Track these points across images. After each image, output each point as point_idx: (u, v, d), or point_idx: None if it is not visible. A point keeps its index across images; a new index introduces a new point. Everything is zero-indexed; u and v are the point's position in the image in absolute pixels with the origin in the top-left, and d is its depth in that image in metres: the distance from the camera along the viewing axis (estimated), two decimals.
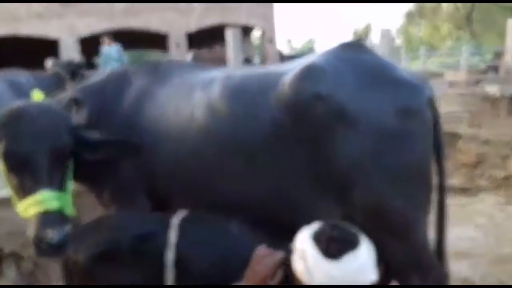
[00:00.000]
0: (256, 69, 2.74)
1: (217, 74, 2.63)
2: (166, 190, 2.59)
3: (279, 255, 2.09)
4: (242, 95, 2.41)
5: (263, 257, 2.09)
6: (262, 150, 2.31)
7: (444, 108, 11.07)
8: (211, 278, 2.15)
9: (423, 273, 2.40)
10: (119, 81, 2.77)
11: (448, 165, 6.62)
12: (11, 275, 3.68)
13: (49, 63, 7.20)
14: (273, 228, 2.38)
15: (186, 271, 2.15)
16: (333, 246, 1.72)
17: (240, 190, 2.40)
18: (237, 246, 2.21)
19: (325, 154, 2.20)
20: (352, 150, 2.17)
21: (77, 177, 2.81)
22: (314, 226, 1.83)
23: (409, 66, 19.73)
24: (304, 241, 1.78)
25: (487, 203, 5.54)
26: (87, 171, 2.66)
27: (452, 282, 3.79)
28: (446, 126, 8.48)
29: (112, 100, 2.70)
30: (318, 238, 1.75)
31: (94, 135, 2.46)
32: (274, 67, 2.67)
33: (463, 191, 5.92)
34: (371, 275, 1.76)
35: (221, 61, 10.15)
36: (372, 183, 2.20)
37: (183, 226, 2.22)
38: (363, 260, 1.74)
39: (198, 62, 11.47)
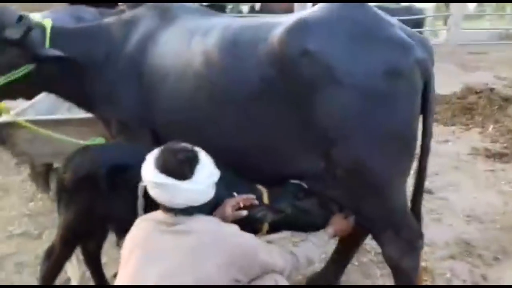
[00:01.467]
0: (255, 20, 2.71)
1: (218, 22, 2.63)
2: (163, 129, 2.69)
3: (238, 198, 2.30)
4: (235, 47, 2.39)
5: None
6: (250, 103, 2.31)
7: None
8: None
9: (397, 230, 2.42)
10: (129, 23, 2.85)
11: (493, 130, 6.31)
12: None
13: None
14: (254, 176, 2.47)
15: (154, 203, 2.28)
16: (185, 168, 1.88)
17: (228, 139, 2.44)
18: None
19: (310, 111, 2.18)
20: (336, 109, 2.14)
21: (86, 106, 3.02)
22: (155, 158, 1.95)
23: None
24: (156, 176, 1.89)
25: None
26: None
27: (452, 243, 3.78)
28: (507, 90, 8.01)
29: (120, 41, 2.80)
30: (167, 168, 1.88)
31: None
32: (270, 19, 2.64)
33: (500, 156, 5.61)
34: (216, 172, 1.99)
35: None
36: (353, 142, 2.18)
37: None
38: (208, 164, 1.96)
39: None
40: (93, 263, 3.01)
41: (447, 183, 4.96)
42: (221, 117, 2.43)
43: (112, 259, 3.49)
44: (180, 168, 1.87)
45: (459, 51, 13.71)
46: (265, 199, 2.36)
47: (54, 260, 2.58)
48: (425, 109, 2.28)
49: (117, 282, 1.91)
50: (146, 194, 2.26)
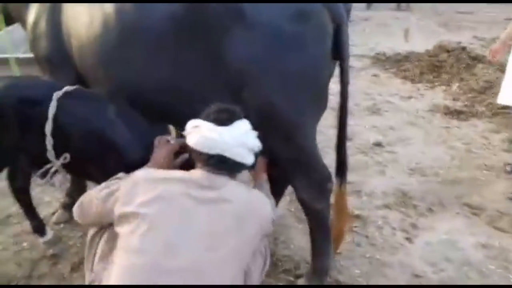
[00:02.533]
0: None
1: None
2: (81, 70, 2.71)
3: (176, 142, 2.33)
4: None
5: (161, 145, 2.30)
6: (159, 43, 2.31)
7: (495, 32, 10.31)
8: (90, 151, 2.36)
9: (307, 173, 2.49)
10: None
11: (457, 88, 6.35)
12: None
13: None
14: (165, 118, 2.51)
15: (63, 141, 2.34)
16: (223, 115, 1.92)
17: (138, 80, 2.45)
18: (114, 125, 2.36)
19: (220, 52, 2.18)
20: (245, 50, 2.13)
21: None
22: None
23: None
24: (196, 121, 1.95)
25: (475, 129, 5.29)
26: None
27: (390, 194, 3.89)
28: (480, 50, 7.99)
29: None
30: (207, 115, 1.93)
31: None
32: None
33: (458, 113, 5.66)
34: (255, 141, 1.99)
35: None
36: (262, 84, 2.19)
37: (64, 100, 2.34)
38: (247, 127, 1.97)
39: None
40: (23, 199, 3.05)
41: (399, 138, 5.04)
42: (131, 58, 2.42)
43: (55, 198, 3.60)
44: (217, 114, 1.93)
45: (447, 10, 13.60)
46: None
47: None
48: (339, 55, 2.28)
49: (145, 245, 1.72)
50: (54, 133, 2.31)
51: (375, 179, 4.17)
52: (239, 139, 1.91)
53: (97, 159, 2.32)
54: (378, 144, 4.85)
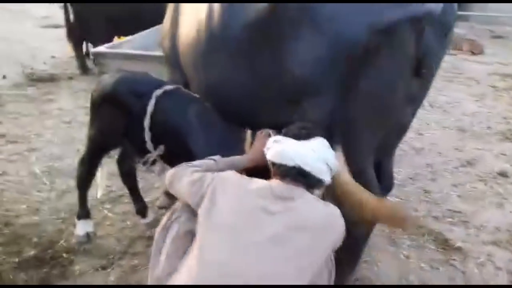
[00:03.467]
0: None
1: None
2: (185, 73, 2.84)
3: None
4: None
5: (262, 138, 2.32)
6: (242, 45, 2.24)
7: None
8: (176, 147, 2.49)
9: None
10: None
11: None
12: None
13: None
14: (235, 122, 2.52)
15: (159, 135, 2.51)
16: (301, 131, 1.95)
17: (217, 84, 2.48)
18: (191, 126, 2.45)
19: (287, 59, 2.06)
20: (312, 59, 2.00)
21: None
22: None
23: None
24: (277, 137, 2.00)
25: None
26: None
27: (504, 230, 3.51)
28: None
29: None
30: (287, 131, 1.99)
31: None
32: None
33: None
34: (334, 160, 1.95)
35: None
36: (325, 96, 2.05)
37: (163, 97, 2.50)
38: (327, 144, 1.95)
39: None
40: (129, 182, 3.35)
41: None
42: (214, 64, 2.45)
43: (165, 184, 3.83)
44: (298, 130, 1.97)
45: None
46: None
47: (85, 169, 2.99)
48: (419, 72, 2.00)
49: (221, 256, 1.73)
50: (151, 127, 2.49)
51: (490, 211, 3.75)
52: (321, 154, 1.89)
53: (183, 155, 2.42)
54: (502, 174, 4.35)
